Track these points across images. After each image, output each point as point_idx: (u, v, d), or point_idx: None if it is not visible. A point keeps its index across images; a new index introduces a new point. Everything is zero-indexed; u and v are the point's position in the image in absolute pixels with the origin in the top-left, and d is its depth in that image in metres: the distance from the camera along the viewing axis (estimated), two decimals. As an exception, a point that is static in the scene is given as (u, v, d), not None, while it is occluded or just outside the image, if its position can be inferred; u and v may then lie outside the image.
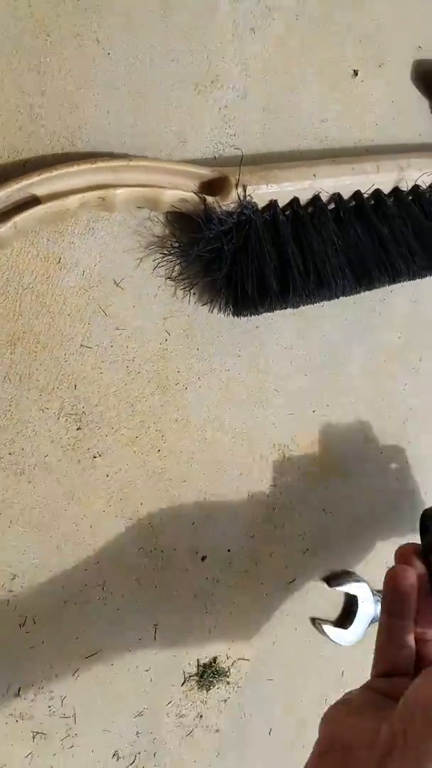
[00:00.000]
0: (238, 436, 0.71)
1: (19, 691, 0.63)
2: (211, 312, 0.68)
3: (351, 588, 0.76)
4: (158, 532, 0.68)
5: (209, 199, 0.59)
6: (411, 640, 0.40)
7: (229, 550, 0.72)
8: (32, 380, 0.60)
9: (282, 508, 0.74)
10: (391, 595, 0.41)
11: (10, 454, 0.60)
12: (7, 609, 0.61)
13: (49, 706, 0.64)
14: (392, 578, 0.41)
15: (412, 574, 0.40)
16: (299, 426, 0.75)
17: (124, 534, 0.66)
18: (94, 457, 0.64)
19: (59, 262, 0.61)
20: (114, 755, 0.67)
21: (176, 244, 0.63)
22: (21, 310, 0.59)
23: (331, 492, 0.77)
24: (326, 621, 0.76)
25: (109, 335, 0.64)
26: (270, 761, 0.76)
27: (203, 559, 0.71)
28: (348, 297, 0.72)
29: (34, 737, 0.64)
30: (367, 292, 0.73)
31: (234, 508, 0.72)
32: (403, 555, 0.42)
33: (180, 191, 0.58)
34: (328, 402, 0.76)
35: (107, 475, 0.65)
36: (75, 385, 0.62)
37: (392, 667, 0.39)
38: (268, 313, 0.69)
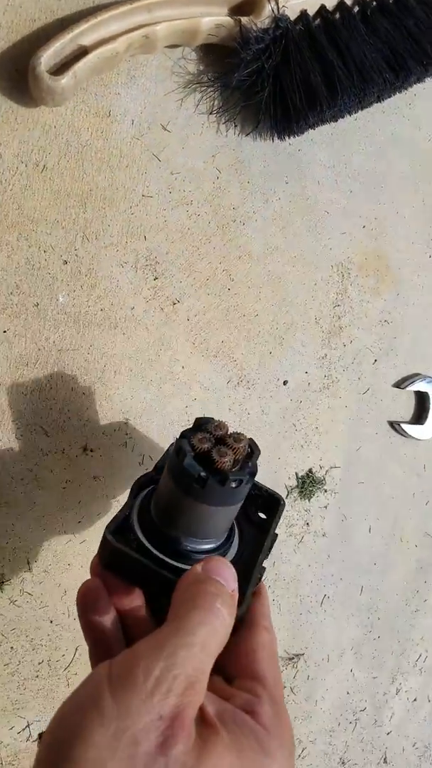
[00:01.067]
0: (298, 263, 0.81)
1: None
2: (255, 140, 0.76)
3: (421, 386, 0.89)
4: (242, 365, 0.80)
5: (244, 19, 0.66)
6: (114, 640, 0.41)
7: (306, 372, 0.84)
8: (106, 237, 0.69)
9: (347, 325, 0.86)
10: (84, 621, 0.42)
11: (101, 310, 0.70)
12: (126, 450, 0.74)
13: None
14: (79, 598, 0.42)
15: (96, 583, 0.42)
16: (353, 244, 0.85)
17: (213, 370, 0.78)
18: (174, 304, 0.74)
19: (109, 115, 0.68)
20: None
21: (215, 75, 0.70)
22: (85, 169, 0.67)
23: (389, 303, 0.89)
24: (403, 421, 0.90)
25: (165, 181, 0.72)
26: (374, 557, 0.93)
27: (285, 383, 0.83)
28: (380, 104, 0.80)
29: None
30: (392, 99, 0.81)
31: (303, 333, 0.83)
32: (93, 565, 0.45)
33: (215, 17, 0.65)
34: (376, 215, 0.86)
35: (188, 319, 0.75)
36: (144, 237, 0.72)
37: None
38: (308, 134, 0.78)
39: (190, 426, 0.44)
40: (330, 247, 0.83)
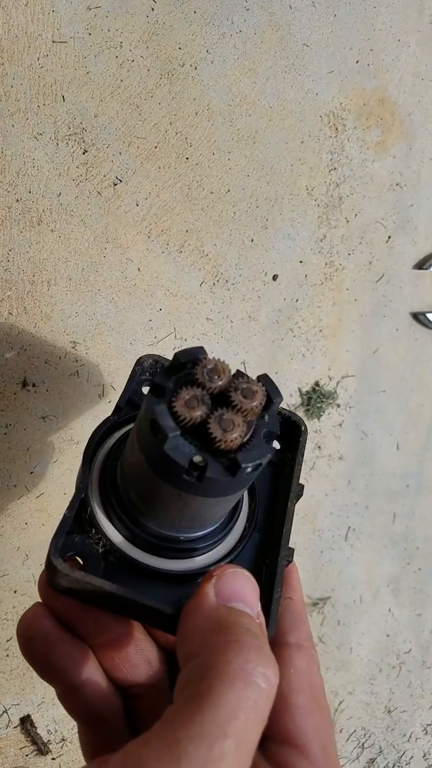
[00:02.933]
0: (276, 116, 0.65)
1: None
2: None
3: (449, 265, 0.74)
4: (217, 259, 0.65)
5: None
6: (92, 687, 0.31)
7: (301, 262, 0.70)
8: (11, 102, 0.54)
9: (349, 194, 0.70)
10: (29, 657, 0.30)
11: (17, 201, 0.55)
12: (79, 381, 0.61)
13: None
14: (20, 630, 0.30)
15: (42, 614, 0.30)
16: (345, 85, 0.68)
17: (179, 270, 0.63)
18: (115, 185, 0.59)
19: None
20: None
21: None
22: (-38, 5, 0.51)
23: (400, 161, 0.72)
24: (429, 310, 0.75)
25: (82, 20, 0.56)
26: (405, 477, 0.80)
27: (275, 278, 0.69)
28: None
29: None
30: None
31: (293, 209, 0.68)
32: (41, 589, 0.31)
33: None
34: (371, 46, 0.69)
35: (137, 204, 0.61)
36: (63, 97, 0.56)
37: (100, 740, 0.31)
38: None
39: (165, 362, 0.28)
40: (316, 91, 0.66)
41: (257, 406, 0.27)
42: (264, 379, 0.28)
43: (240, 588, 0.27)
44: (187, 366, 0.27)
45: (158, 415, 0.26)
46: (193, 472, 0.26)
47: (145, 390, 0.35)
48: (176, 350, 0.28)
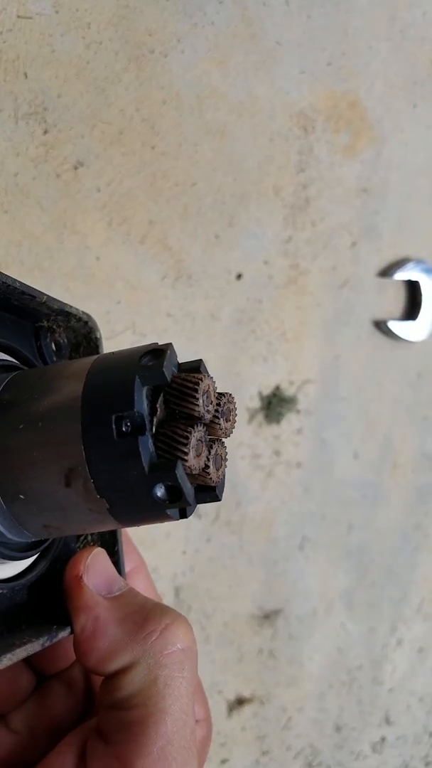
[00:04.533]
0: (245, 111, 0.63)
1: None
2: None
3: (411, 273, 0.72)
4: (180, 253, 0.62)
5: None
6: None
7: (266, 262, 0.67)
8: (-33, 71, 0.50)
9: (316, 197, 0.68)
10: None
11: (-30, 177, 0.52)
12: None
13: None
14: None
15: None
16: (315, 86, 0.66)
17: (141, 261, 0.60)
18: (76, 168, 0.56)
19: None
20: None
21: None
22: None
23: (368, 166, 0.70)
24: (391, 318, 0.73)
25: (47, -6, 0.53)
26: (362, 487, 0.77)
27: (239, 277, 0.66)
28: None
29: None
30: None
31: (259, 208, 0.65)
32: None
33: None
34: (343, 49, 0.67)
35: (98, 190, 0.57)
36: (25, 74, 0.53)
37: None
38: None
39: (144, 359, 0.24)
40: (286, 90, 0.64)
41: (233, 426, 0.24)
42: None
43: (106, 567, 0.26)
44: (183, 389, 0.23)
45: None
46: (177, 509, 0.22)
47: None
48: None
